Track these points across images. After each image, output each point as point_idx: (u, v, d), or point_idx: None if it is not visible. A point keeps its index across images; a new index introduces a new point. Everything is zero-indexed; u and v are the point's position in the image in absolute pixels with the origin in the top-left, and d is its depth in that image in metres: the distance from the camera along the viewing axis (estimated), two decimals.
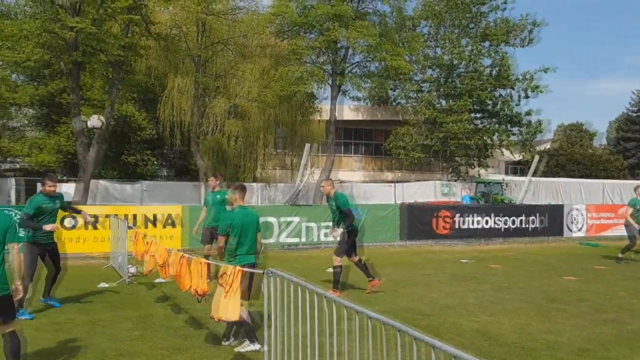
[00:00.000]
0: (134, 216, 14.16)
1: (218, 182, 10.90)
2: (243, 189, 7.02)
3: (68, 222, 13.56)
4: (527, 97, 33.43)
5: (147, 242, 9.13)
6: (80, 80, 20.49)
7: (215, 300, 6.10)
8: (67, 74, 20.72)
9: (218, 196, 10.56)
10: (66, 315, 8.00)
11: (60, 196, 8.57)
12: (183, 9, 21.20)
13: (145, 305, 8.79)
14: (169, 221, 14.49)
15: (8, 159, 33.21)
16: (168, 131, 24.39)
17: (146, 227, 13.93)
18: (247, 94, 22.94)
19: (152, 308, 8.63)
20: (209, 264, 7.00)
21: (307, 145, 20.45)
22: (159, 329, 7.37)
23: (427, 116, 32.64)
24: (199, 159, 23.12)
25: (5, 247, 5.04)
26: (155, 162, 29.98)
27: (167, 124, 24.02)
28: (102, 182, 25.06)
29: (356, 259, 10.08)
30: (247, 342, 6.40)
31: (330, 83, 28.14)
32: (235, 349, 6.42)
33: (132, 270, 11.06)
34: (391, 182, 32.90)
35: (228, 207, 7.56)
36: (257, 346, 6.28)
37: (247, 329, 6.44)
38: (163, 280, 9.76)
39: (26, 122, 32.64)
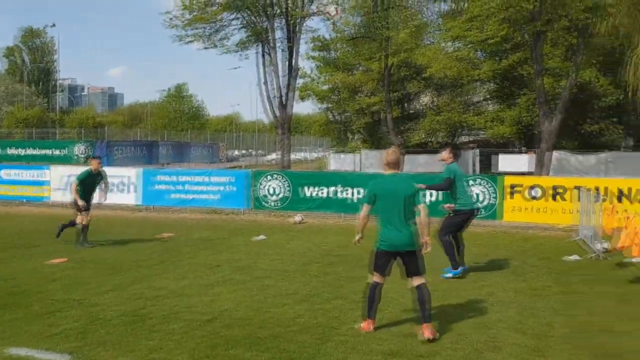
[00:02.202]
0: (605, 189, 13.17)
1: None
2: None
3: (533, 192, 13.69)
4: None
5: (627, 217, 8.29)
6: (541, 50, 20.37)
7: None
8: (528, 45, 20.94)
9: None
10: (543, 282, 8.04)
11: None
12: None
13: (621, 284, 8.05)
14: None
15: (472, 132, 36.25)
16: (638, 95, 21.77)
17: (619, 200, 12.78)
18: None
19: (629, 287, 7.84)
20: None
21: None
22: None
23: None
24: None
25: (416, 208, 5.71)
26: (620, 131, 27.42)
27: (636, 87, 21.45)
28: (556, 153, 24.51)
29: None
30: None
31: None
32: None
33: (605, 245, 10.31)
34: None
35: None
36: None
37: None
38: (638, 260, 8.75)
39: (488, 96, 34.78)
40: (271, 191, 15.45)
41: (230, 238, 11.90)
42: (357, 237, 6.02)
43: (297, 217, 14.64)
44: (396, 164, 5.90)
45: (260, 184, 15.64)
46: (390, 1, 22.55)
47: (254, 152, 63.51)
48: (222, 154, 52.50)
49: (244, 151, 64.69)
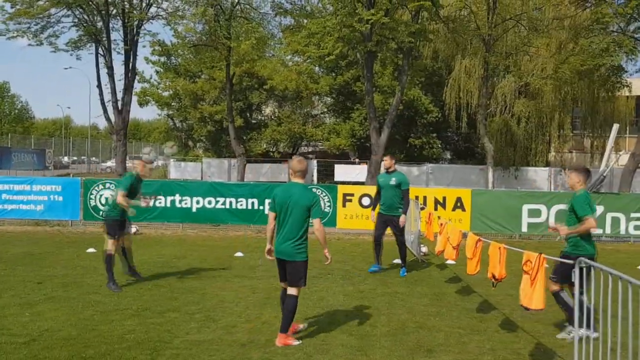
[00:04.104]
0: (424, 198, 14.54)
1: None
2: (587, 173, 6.54)
3: (364, 200, 14.64)
4: None
5: (441, 224, 9.25)
6: (372, 69, 21.91)
7: (522, 288, 5.83)
8: (361, 64, 22.38)
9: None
10: (369, 285, 8.65)
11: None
12: None
13: (438, 284, 8.96)
14: (458, 204, 14.49)
15: (311, 143, 37.63)
16: (454, 114, 24.42)
17: (435, 209, 14.18)
18: (540, 72, 21.45)
19: (444, 287, 8.75)
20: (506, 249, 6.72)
21: (615, 126, 18.05)
22: (454, 308, 7.42)
23: None
24: (487, 142, 22.62)
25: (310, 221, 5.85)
26: (439, 145, 30.45)
27: (452, 106, 24.06)
28: None
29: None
30: (570, 327, 5.95)
31: None
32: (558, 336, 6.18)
33: (424, 249, 11.38)
34: None
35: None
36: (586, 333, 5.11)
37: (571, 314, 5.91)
38: (452, 262, 9.83)
39: (326, 109, 36.45)
40: (104, 201, 14.60)
41: (56, 252, 11.03)
42: (267, 247, 5.98)
43: (132, 228, 13.98)
44: (302, 173, 5.91)
45: (91, 193, 14.72)
46: (232, 12, 22.68)
47: (87, 159, 59.40)
48: (49, 161, 48.22)
49: (75, 158, 60.16)
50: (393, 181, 9.47)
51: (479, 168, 24.40)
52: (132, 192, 8.15)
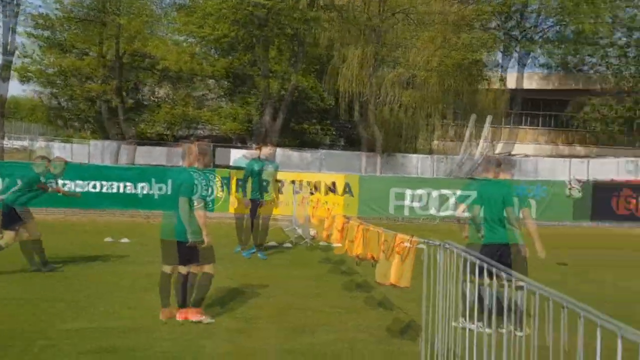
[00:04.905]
0: (307, 183, 14.94)
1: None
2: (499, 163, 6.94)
3: None
4: None
5: (328, 209, 9.63)
6: (267, 54, 21.98)
7: (394, 267, 6.22)
8: (257, 49, 22.36)
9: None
10: (254, 269, 8.83)
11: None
12: None
13: (322, 266, 9.34)
14: (347, 189, 15.05)
15: (207, 127, 36.97)
16: (346, 102, 25.08)
17: (326, 194, 14.63)
18: (426, 64, 22.60)
19: (328, 269, 9.14)
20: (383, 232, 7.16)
21: (473, 116, 19.73)
22: (335, 289, 7.80)
23: (630, 84, 29.12)
24: (376, 130, 23.51)
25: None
26: (333, 132, 31.14)
27: (345, 94, 24.69)
28: (280, 150, 26.65)
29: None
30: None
31: (518, 50, 26.48)
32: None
33: (312, 233, 11.74)
34: (568, 156, 30.13)
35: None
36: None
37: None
38: (337, 245, 10.25)
39: (222, 93, 35.89)
40: None
41: None
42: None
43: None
44: (193, 158, 6.08)
45: None
46: None
47: None
48: None
49: None
50: (269, 167, 9.93)
51: (366, 155, 25.30)
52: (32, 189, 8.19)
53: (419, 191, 15.30)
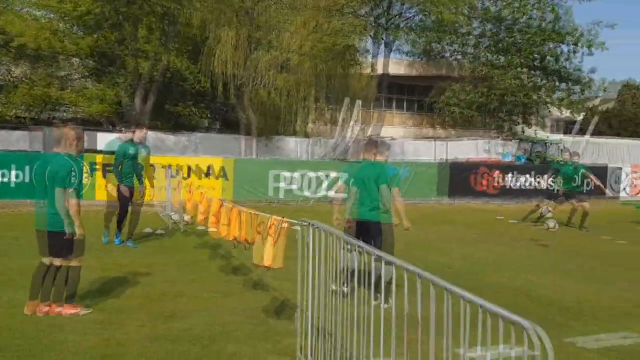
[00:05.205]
0: (189, 167, 14.67)
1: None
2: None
3: None
4: (590, 53, 31.84)
5: (201, 193, 9.53)
6: (136, 33, 20.99)
7: (266, 249, 6.37)
8: (125, 27, 21.26)
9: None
10: (128, 258, 8.56)
11: None
12: None
13: (197, 252, 9.28)
14: (222, 173, 14.95)
15: (71, 109, 34.59)
16: (221, 85, 24.72)
17: (200, 178, 14.44)
18: (299, 48, 22.88)
19: (204, 254, 9.11)
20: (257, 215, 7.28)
21: (346, 100, 20.64)
22: (211, 274, 7.82)
23: (483, 72, 31.69)
24: (251, 113, 23.45)
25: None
26: (209, 115, 30.56)
27: (219, 77, 24.31)
28: (153, 133, 25.70)
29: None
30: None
31: (384, 37, 27.69)
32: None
33: (186, 218, 11.56)
34: (432, 138, 32.41)
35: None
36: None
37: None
38: (213, 229, 10.22)
39: (87, 73, 33.70)
40: None
41: None
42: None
43: None
44: (57, 142, 5.83)
45: None
46: None
47: None
48: None
49: None
50: (142, 151, 9.72)
51: (244, 138, 25.21)
52: None
53: (295, 174, 15.63)
